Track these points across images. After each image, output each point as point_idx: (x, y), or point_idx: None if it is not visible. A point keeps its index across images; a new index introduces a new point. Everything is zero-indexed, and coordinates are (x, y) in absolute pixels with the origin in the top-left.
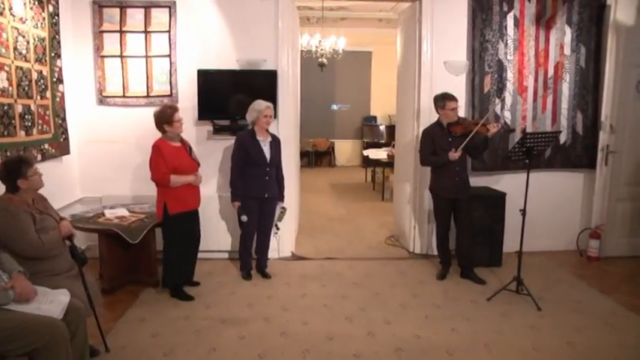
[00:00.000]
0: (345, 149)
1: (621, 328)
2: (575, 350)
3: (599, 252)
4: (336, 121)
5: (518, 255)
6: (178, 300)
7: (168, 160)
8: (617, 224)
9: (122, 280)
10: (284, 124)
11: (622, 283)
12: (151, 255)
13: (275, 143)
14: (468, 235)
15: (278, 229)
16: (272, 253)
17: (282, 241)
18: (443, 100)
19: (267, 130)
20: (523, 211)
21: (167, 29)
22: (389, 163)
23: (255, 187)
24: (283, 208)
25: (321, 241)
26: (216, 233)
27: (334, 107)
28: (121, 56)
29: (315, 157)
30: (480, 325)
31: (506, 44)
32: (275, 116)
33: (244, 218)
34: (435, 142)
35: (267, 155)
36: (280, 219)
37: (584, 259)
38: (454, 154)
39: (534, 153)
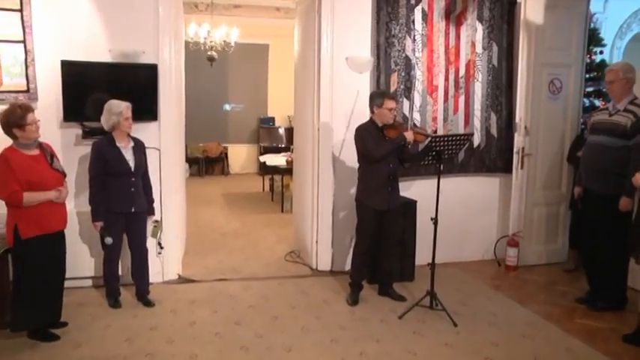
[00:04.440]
0: (240, 155)
1: (538, 339)
2: None
3: (517, 260)
4: (230, 123)
5: (431, 267)
6: (39, 341)
7: (20, 173)
8: (534, 230)
9: None
10: (167, 127)
11: (539, 292)
12: (3, 287)
13: (138, 149)
14: (391, 248)
15: (162, 248)
16: (155, 277)
17: (167, 262)
18: (381, 97)
19: (128, 135)
20: (435, 220)
21: (19, 7)
22: (289, 170)
23: (119, 201)
24: (156, 221)
25: (212, 260)
26: (81, 256)
27: (226, 107)
28: None
29: (206, 164)
30: (392, 346)
31: (414, 40)
32: (156, 118)
33: (109, 240)
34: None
35: (132, 164)
36: (155, 235)
37: (502, 268)
38: (410, 135)
39: (445, 157)
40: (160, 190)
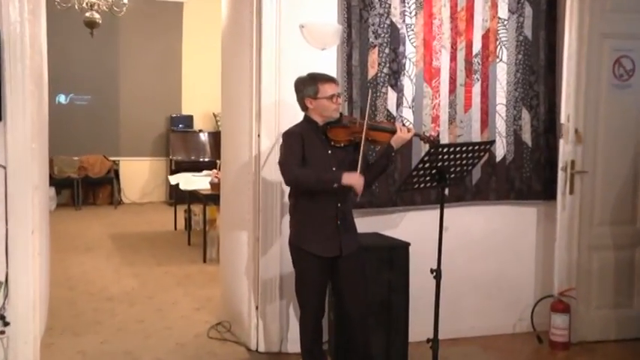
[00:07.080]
0: (139, 174)
1: None
2: None
3: (568, 334)
4: (122, 126)
5: (433, 345)
6: None
7: None
8: (595, 288)
9: None
10: (17, 132)
11: None
12: None
13: None
14: (364, 314)
15: (6, 324)
16: None
17: (15, 347)
18: (313, 82)
19: None
20: (437, 272)
21: None
22: (214, 197)
23: None
24: None
25: (92, 341)
26: None
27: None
28: None
29: (85, 190)
30: None
31: None
32: None
33: None
34: (307, 151)
35: None
36: None
37: (544, 346)
38: (356, 179)
39: (451, 177)
40: (6, 231)
